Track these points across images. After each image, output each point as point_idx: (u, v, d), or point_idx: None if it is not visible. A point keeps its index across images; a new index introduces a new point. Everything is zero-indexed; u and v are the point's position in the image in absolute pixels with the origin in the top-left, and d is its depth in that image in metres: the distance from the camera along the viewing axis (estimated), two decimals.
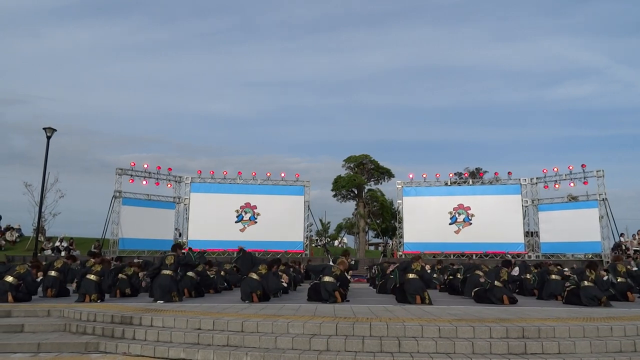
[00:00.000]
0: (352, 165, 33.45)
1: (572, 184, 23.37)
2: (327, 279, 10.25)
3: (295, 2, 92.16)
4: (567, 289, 10.73)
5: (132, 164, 23.47)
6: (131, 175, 23.25)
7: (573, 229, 22.46)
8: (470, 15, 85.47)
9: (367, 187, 33.68)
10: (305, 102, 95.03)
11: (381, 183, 33.99)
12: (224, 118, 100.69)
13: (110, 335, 7.02)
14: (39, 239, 22.47)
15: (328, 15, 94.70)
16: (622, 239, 23.68)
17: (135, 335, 6.84)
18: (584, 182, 22.88)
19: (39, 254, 20.45)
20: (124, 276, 11.46)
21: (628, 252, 22.72)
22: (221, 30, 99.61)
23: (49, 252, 23.69)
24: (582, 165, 22.81)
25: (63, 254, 23.81)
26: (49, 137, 19.90)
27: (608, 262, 16.16)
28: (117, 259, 15.74)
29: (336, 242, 46.70)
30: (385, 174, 33.34)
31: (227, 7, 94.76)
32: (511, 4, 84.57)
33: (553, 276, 12.12)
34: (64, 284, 11.40)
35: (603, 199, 22.22)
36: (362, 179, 32.56)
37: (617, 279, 11.64)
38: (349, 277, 11.13)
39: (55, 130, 20.07)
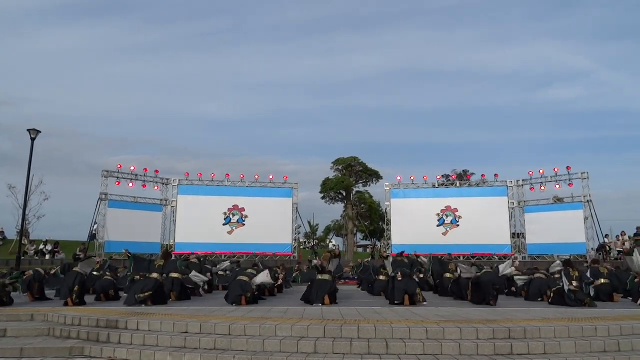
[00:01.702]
0: (340, 168, 33.46)
1: (557, 186, 23.62)
2: (325, 277, 10.40)
3: (288, 4, 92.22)
4: (553, 289, 10.86)
5: (119, 166, 23.24)
6: (118, 178, 22.95)
7: (559, 231, 22.69)
8: (462, 19, 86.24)
9: (355, 189, 33.72)
10: (298, 104, 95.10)
11: (369, 185, 34.06)
12: (217, 120, 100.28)
13: (96, 339, 6.93)
14: (23, 242, 22.09)
15: (321, 18, 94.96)
16: (606, 240, 23.99)
17: (121, 340, 6.77)
18: (569, 184, 23.17)
19: (22, 258, 20.11)
20: (108, 277, 11.32)
21: (612, 253, 23.08)
22: (214, 32, 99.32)
23: (32, 254, 23.33)
24: (567, 168, 23.10)
25: (47, 257, 23.50)
26: (33, 139, 19.60)
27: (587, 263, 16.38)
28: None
29: (331, 245, 46.51)
30: (373, 176, 33.40)
31: (221, 9, 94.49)
32: (502, 7, 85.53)
33: (537, 275, 12.29)
34: (43, 290, 11.19)
35: (588, 200, 22.52)
36: (350, 181, 32.59)
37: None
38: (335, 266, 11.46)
39: (40, 132, 19.76)
